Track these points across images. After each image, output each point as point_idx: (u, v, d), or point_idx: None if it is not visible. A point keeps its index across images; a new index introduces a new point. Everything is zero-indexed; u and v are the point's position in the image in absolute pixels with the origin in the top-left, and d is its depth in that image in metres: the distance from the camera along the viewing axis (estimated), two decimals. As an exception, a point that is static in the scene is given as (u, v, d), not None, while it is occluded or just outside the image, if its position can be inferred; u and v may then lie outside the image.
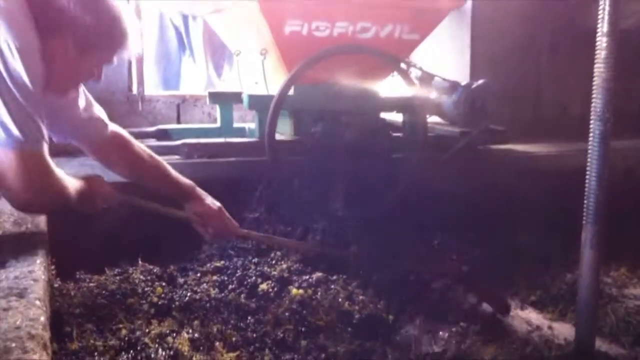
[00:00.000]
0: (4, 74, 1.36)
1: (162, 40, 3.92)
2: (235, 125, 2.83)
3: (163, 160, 1.93)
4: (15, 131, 1.38)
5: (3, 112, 1.37)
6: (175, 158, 2.44)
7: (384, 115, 2.75)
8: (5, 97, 1.37)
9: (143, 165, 1.88)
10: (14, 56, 1.36)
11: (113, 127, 1.87)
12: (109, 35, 1.53)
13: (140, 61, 3.00)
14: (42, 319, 1.20)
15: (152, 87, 3.73)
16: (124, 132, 1.90)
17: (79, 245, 2.16)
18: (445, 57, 3.37)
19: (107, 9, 1.52)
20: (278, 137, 2.48)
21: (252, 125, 2.75)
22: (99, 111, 1.83)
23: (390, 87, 2.95)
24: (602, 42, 1.86)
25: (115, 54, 1.58)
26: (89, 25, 1.48)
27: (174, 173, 1.91)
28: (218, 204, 1.94)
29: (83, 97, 1.78)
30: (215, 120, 2.91)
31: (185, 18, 3.85)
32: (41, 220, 1.83)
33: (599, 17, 1.86)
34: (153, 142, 2.62)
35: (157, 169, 1.89)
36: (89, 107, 1.79)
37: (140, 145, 1.91)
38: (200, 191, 1.93)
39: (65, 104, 1.71)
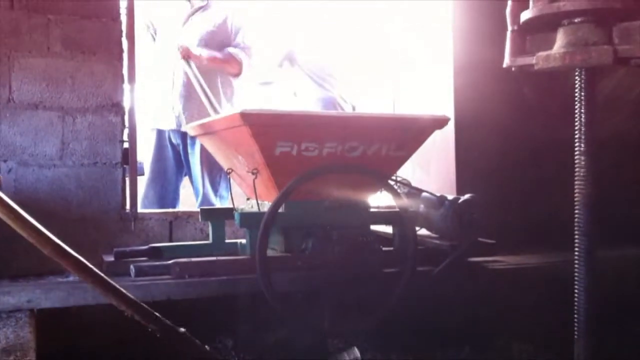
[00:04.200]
0: None
1: (159, 158, 4.00)
2: (228, 241, 2.86)
3: None
4: None
5: None
6: (166, 277, 2.45)
7: (374, 227, 2.81)
8: None
9: None
10: None
11: None
12: None
13: (134, 179, 3.05)
14: None
15: (147, 205, 3.77)
16: None
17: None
18: (432, 172, 3.47)
19: None
20: (270, 253, 2.50)
21: (243, 241, 2.77)
22: None
23: (379, 199, 3.01)
24: (580, 160, 1.94)
25: None
26: None
27: None
28: None
29: None
30: (207, 237, 2.93)
31: (183, 135, 3.95)
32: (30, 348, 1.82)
33: (576, 136, 1.95)
34: (145, 261, 2.62)
35: None
36: None
37: None
38: None
39: None
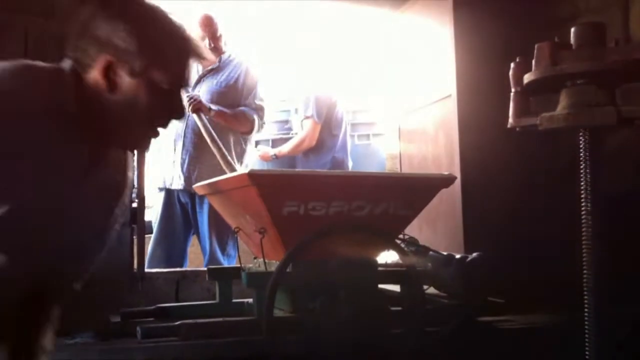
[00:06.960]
0: None
1: (167, 217, 4.01)
2: (235, 300, 2.84)
3: None
4: None
5: None
6: (173, 339, 2.43)
7: (381, 286, 2.79)
8: None
9: None
10: None
11: None
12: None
13: (142, 239, 3.07)
14: None
15: (154, 264, 3.77)
16: None
17: None
18: (439, 230, 3.47)
19: None
20: (277, 313, 2.48)
21: (250, 301, 2.76)
22: None
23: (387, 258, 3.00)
24: (587, 219, 1.94)
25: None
26: None
27: None
28: None
29: None
30: (214, 296, 2.92)
31: (191, 195, 3.96)
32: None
33: (582, 195, 1.96)
34: (152, 321, 2.61)
35: None
36: None
37: None
38: None
39: None
